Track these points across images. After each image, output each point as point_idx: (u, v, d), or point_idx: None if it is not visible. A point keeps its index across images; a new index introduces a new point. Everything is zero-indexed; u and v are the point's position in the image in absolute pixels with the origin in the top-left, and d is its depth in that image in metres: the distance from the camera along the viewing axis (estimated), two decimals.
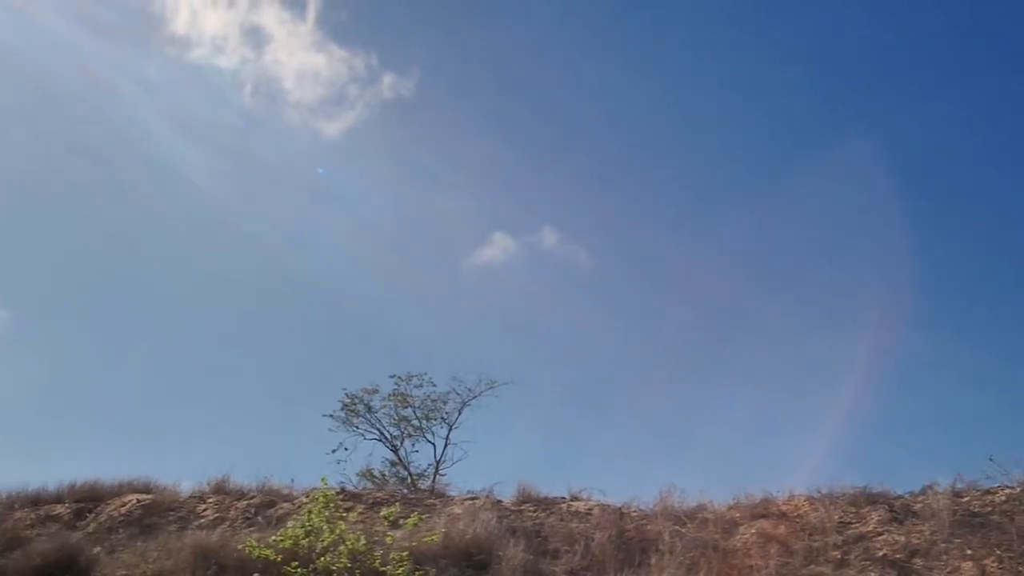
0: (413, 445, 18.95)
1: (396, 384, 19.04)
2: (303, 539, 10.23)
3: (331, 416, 19.29)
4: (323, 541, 10.16)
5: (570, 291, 35.46)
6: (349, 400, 19.17)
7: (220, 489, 15.47)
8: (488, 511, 13.37)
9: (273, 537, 10.28)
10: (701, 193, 37.47)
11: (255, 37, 38.20)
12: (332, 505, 10.64)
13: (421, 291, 35.73)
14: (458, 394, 18.72)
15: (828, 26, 35.70)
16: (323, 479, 11.42)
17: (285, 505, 14.53)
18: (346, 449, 18.77)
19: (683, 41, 37.24)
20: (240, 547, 11.93)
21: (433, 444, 18.82)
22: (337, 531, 10.21)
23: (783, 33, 36.67)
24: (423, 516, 11.88)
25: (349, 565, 9.91)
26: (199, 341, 35.80)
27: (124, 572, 11.45)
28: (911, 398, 28.17)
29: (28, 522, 14.96)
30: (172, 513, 14.55)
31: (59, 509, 15.31)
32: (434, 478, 18.56)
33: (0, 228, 37.38)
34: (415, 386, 18.99)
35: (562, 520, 13.16)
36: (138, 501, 15.03)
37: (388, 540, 10.73)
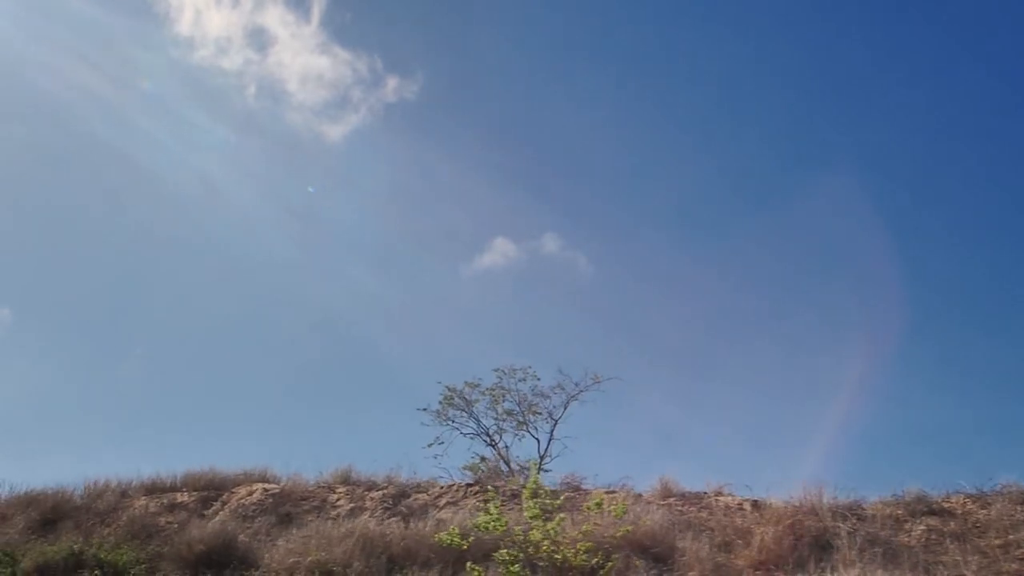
0: (518, 439, 18.69)
1: (499, 378, 18.80)
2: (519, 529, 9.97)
3: (424, 410, 19.16)
4: (540, 530, 9.87)
5: (570, 297, 35.05)
6: (449, 394, 18.96)
7: (346, 480, 15.20)
8: (634, 504, 13.10)
9: (483, 524, 9.98)
10: (701, 203, 37.34)
11: (259, 39, 38.06)
12: (543, 496, 10.38)
13: (419, 295, 35.58)
14: (563, 389, 18.47)
15: (821, 48, 36.34)
16: (532, 464, 11.03)
17: (421, 496, 14.24)
18: (441, 443, 18.64)
19: (685, 52, 37.57)
20: (403, 538, 11.72)
21: (537, 439, 18.58)
22: (555, 522, 9.92)
23: (778, 52, 36.98)
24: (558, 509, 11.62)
25: (559, 557, 9.62)
26: (201, 342, 35.82)
27: (294, 559, 11.13)
28: (899, 412, 28.05)
29: (153, 510, 14.68)
30: (304, 502, 14.25)
31: (182, 497, 15.02)
32: (538, 472, 18.28)
33: (4, 228, 37.24)
34: (519, 380, 18.74)
35: (715, 514, 12.88)
36: (265, 490, 14.74)
37: (574, 532, 10.46)
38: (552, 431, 18.43)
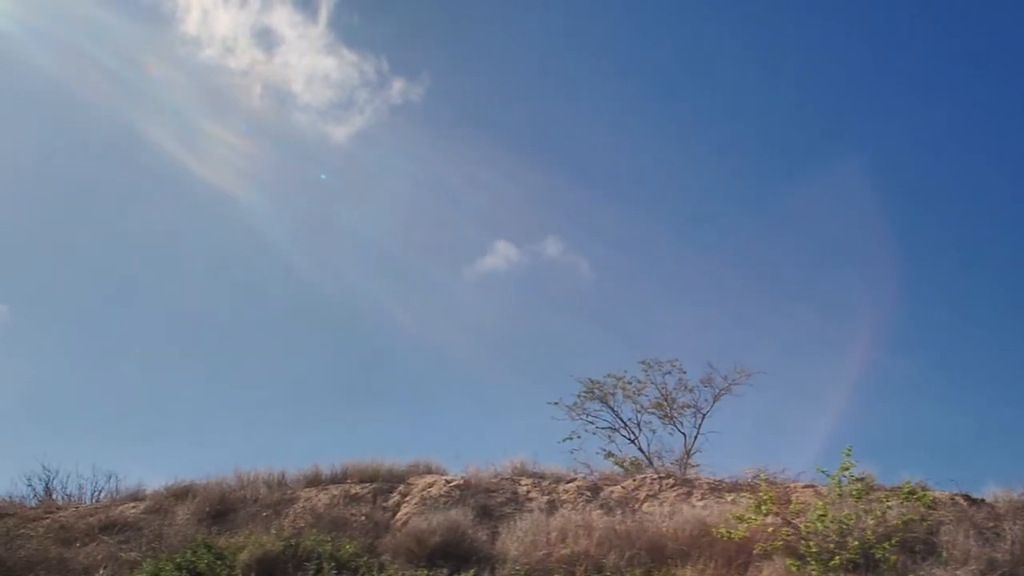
0: (654, 432, 18.29)
1: (645, 371, 18.37)
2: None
3: (556, 404, 18.73)
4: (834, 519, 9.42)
5: (571, 302, 34.93)
6: (591, 386, 18.51)
7: (522, 472, 14.69)
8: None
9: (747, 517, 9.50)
10: (705, 208, 37.07)
11: (266, 39, 37.58)
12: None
13: (422, 297, 35.18)
14: (710, 383, 18.06)
15: (822, 47, 36.50)
16: (846, 450, 10.55)
17: (615, 489, 13.75)
18: (579, 437, 18.19)
19: (690, 56, 37.52)
20: (641, 531, 11.23)
21: (684, 433, 18.16)
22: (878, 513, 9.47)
23: (778, 50, 36.95)
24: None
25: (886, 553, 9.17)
26: (199, 342, 35.51)
27: (542, 552, 10.59)
28: (892, 416, 27.97)
29: (327, 501, 14.07)
30: (494, 494, 13.70)
31: (355, 489, 14.42)
32: (685, 466, 17.85)
33: (5, 226, 36.57)
34: (664, 372, 18.31)
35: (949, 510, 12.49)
36: (448, 482, 14.17)
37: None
38: (699, 425, 18.08)
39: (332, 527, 12.90)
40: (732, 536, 9.83)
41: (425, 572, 10.40)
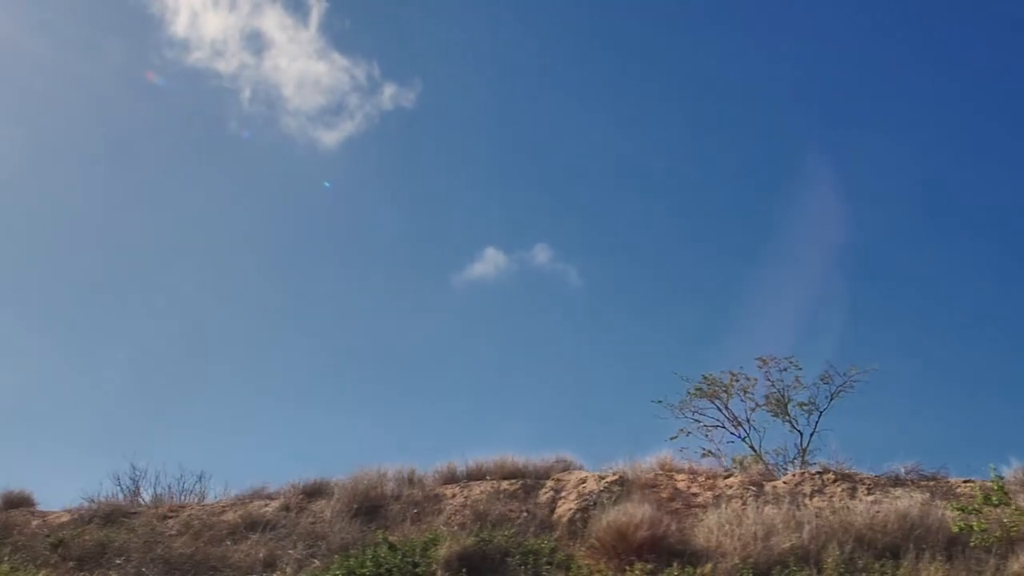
0: (781, 427, 18.06)
1: (759, 367, 18.15)
2: None
3: (659, 402, 18.50)
4: None
5: (559, 310, 35.10)
6: (706, 382, 18.28)
7: (670, 468, 14.40)
8: None
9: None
10: (697, 217, 36.78)
11: (256, 42, 37.66)
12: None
13: (411, 303, 35.38)
14: (828, 380, 17.88)
15: (816, 49, 36.74)
16: None
17: (777, 484, 13.50)
18: (689, 434, 17.95)
19: (684, 64, 37.99)
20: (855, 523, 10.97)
21: (800, 431, 17.94)
22: None
23: (774, 54, 37.30)
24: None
25: None
26: (187, 344, 35.87)
27: (761, 545, 10.29)
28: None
29: (478, 497, 13.67)
30: (653, 490, 13.38)
31: (505, 485, 14.02)
32: (802, 464, 17.66)
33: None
34: (781, 369, 18.09)
35: None
36: (601, 477, 13.82)
37: None
38: (816, 423, 17.88)
39: (496, 523, 12.55)
40: (974, 529, 9.60)
41: (643, 566, 10.02)
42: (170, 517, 14.45)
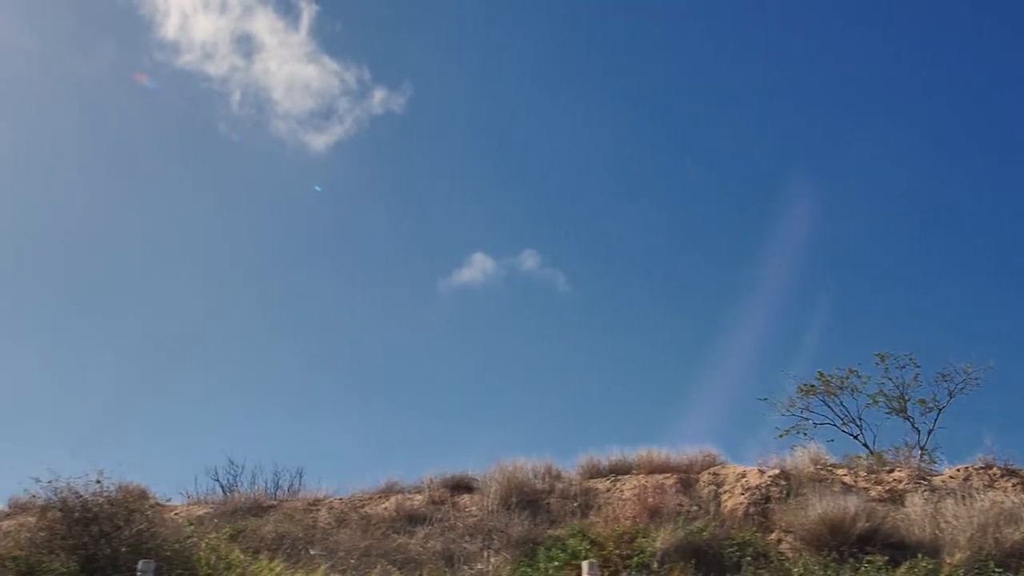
0: (896, 426, 17.93)
1: (878, 364, 18.00)
2: None
3: (764, 400, 18.37)
4: None
5: (546, 316, 34.87)
6: (821, 380, 18.13)
7: (827, 463, 14.18)
8: None
9: None
10: (686, 223, 36.87)
11: (246, 45, 37.53)
12: None
13: (398, 308, 35.11)
14: (947, 378, 17.77)
15: (810, 57, 36.76)
16: None
17: (943, 478, 13.32)
18: (803, 433, 17.80)
19: (675, 69, 37.62)
20: None
21: (918, 429, 17.82)
22: None
23: (765, 61, 37.28)
24: None
25: None
26: (175, 343, 35.06)
27: (993, 538, 10.09)
28: None
29: (639, 492, 13.37)
30: (821, 484, 13.14)
31: (660, 479, 13.73)
32: (920, 462, 17.53)
33: None
34: (900, 367, 17.96)
35: None
36: (761, 472, 13.57)
37: None
38: (935, 421, 17.76)
39: (668, 516, 12.25)
40: None
41: (877, 558, 9.78)
42: (312, 511, 14.05)
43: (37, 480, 8.97)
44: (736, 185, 35.95)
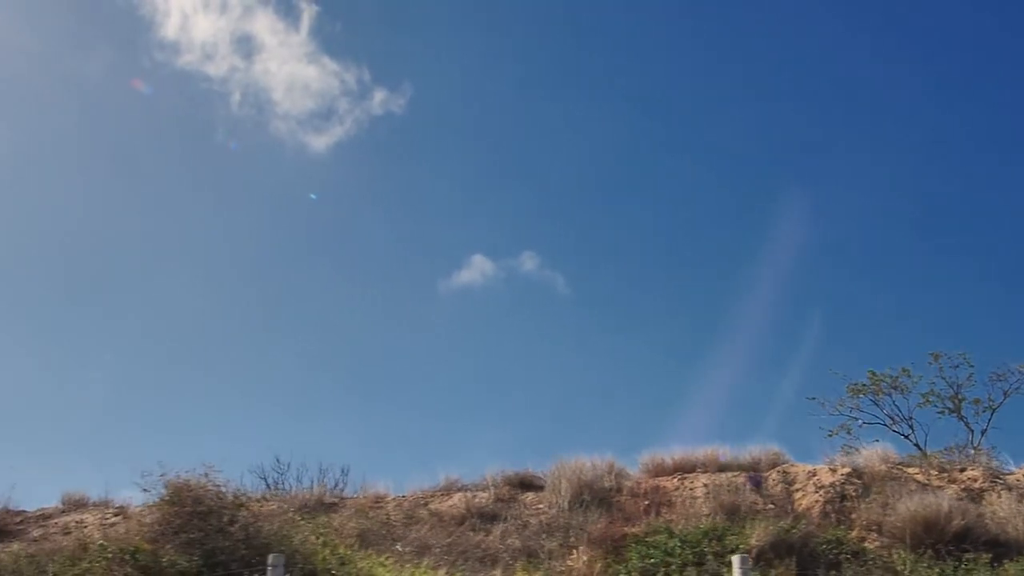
0: (949, 426, 17.85)
1: (931, 363, 17.93)
2: None
3: (813, 399, 18.34)
4: None
5: (545, 318, 34.48)
6: (872, 379, 18.06)
7: (895, 461, 14.09)
8: None
9: None
10: (687, 225, 36.55)
11: (246, 46, 36.89)
12: None
13: (397, 310, 34.82)
14: (1001, 378, 17.70)
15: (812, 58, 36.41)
16: None
17: (1013, 477, 13.25)
18: (850, 432, 17.75)
19: (676, 71, 37.16)
20: None
21: (971, 429, 17.74)
22: None
23: (767, 62, 36.95)
24: None
25: None
26: (172, 343, 34.54)
27: None
28: None
29: (707, 490, 13.29)
30: (894, 483, 13.06)
31: (730, 477, 13.64)
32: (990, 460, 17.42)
33: None
34: (954, 366, 17.89)
35: None
36: (831, 471, 13.48)
37: None
38: (989, 421, 17.69)
39: (746, 513, 12.17)
40: None
41: (981, 557, 9.70)
42: (377, 507, 13.94)
43: (145, 475, 8.85)
44: (735, 186, 35.58)
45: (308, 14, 35.62)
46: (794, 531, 10.54)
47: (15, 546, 14.02)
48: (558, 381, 32.96)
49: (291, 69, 34.58)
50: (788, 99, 36.39)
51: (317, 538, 8.93)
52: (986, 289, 32.26)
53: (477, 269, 32.28)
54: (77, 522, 15.21)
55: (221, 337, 36.30)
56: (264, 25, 35.63)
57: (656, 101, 37.03)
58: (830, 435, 17.74)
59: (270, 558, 7.11)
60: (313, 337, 35.42)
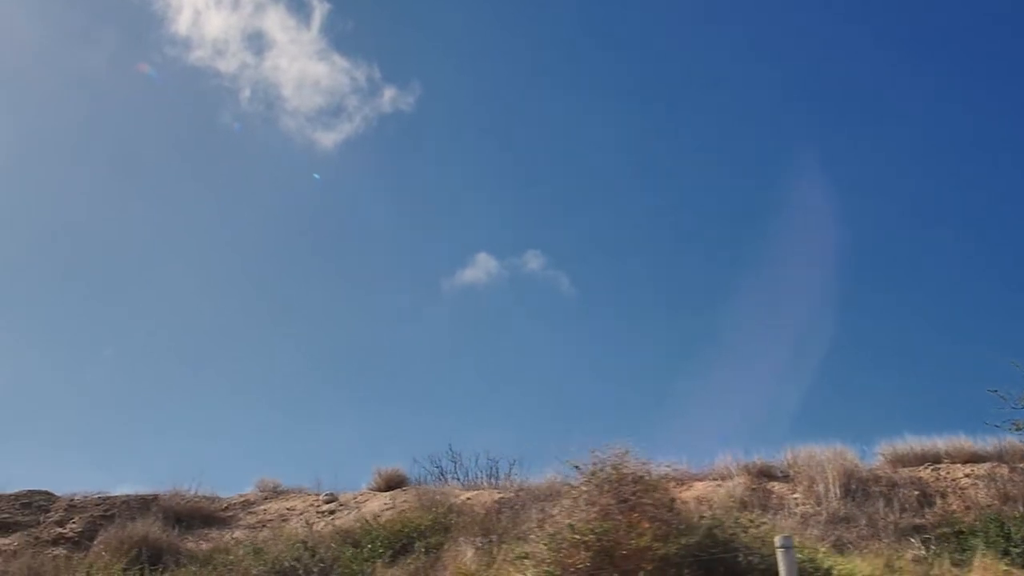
0: None
1: None
2: None
3: (995, 392, 17.97)
4: None
5: (550, 317, 34.42)
6: None
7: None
8: None
9: None
10: (695, 225, 36.50)
11: (257, 42, 36.74)
12: None
13: (401, 307, 34.74)
14: None
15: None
16: None
17: None
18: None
19: (683, 70, 37.20)
20: None
21: None
22: None
23: (778, 56, 36.81)
24: None
25: None
26: (179, 344, 34.85)
27: None
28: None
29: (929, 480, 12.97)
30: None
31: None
32: None
33: None
34: None
35: None
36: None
37: None
38: None
39: None
40: None
41: None
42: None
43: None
44: (742, 187, 35.36)
45: (319, 11, 36.11)
46: None
47: (237, 533, 13.37)
48: (562, 380, 32.74)
49: (301, 66, 34.72)
50: (795, 99, 36.30)
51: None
52: (994, 287, 32.03)
53: (481, 267, 32.35)
54: (289, 508, 14.60)
55: (221, 334, 36.11)
56: (275, 22, 35.72)
57: (665, 102, 36.97)
58: (1018, 429, 17.41)
59: (777, 540, 6.56)
60: (315, 334, 35.39)
